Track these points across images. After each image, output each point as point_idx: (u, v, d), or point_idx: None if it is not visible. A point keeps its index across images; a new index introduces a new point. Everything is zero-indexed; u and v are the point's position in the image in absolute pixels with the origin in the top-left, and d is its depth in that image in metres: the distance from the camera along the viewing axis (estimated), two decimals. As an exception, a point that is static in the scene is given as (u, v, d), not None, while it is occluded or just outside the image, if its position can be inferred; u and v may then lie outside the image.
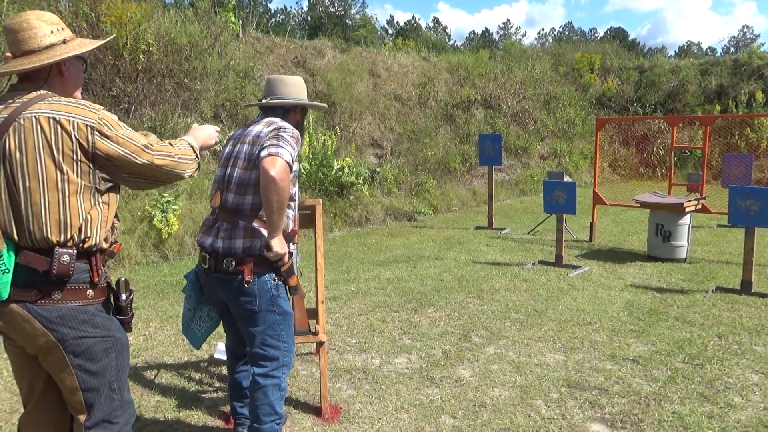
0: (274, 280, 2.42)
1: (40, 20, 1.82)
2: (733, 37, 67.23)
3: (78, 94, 1.94)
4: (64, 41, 1.85)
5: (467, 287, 5.61)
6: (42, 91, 1.81)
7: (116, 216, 1.96)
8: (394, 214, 9.86)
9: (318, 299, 3.16)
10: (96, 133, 1.77)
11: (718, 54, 45.97)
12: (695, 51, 51.40)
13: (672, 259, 6.58)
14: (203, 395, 3.39)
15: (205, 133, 2.21)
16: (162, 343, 4.21)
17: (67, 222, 1.76)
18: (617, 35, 52.05)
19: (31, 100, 1.77)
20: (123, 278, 1.98)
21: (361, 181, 9.31)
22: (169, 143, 1.98)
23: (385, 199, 10.03)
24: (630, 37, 54.56)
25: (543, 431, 2.95)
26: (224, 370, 3.67)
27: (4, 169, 1.74)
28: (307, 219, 3.14)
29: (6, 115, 1.75)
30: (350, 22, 43.87)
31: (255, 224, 2.37)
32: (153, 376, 3.64)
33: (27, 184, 1.73)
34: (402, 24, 52.22)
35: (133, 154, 1.83)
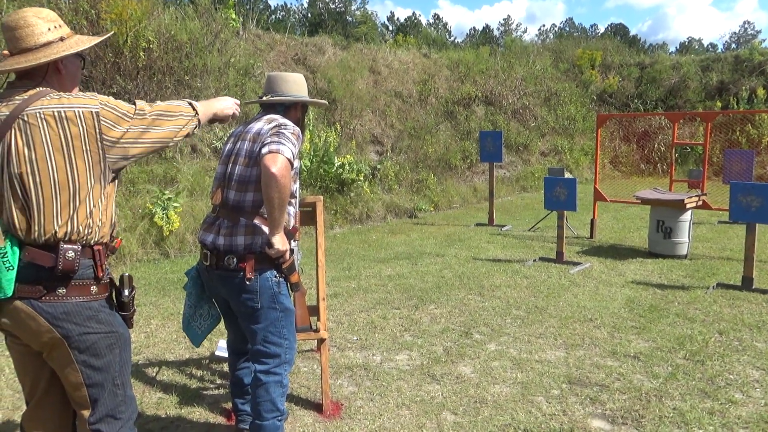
0: (276, 277, 2.43)
1: (38, 17, 1.82)
2: (734, 33, 67.01)
3: (76, 91, 1.94)
4: (62, 39, 1.85)
5: (468, 284, 5.61)
6: (41, 88, 1.81)
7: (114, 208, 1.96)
8: (395, 211, 9.86)
9: (319, 296, 3.16)
10: (102, 118, 1.79)
11: (719, 50, 45.96)
12: (696, 47, 51.35)
13: (673, 256, 6.57)
14: (205, 392, 3.40)
15: (222, 104, 2.19)
16: (163, 340, 4.22)
17: (75, 217, 1.77)
18: (618, 31, 52.00)
19: (32, 97, 1.77)
20: (127, 274, 1.99)
21: (362, 178, 9.31)
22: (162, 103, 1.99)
23: (386, 196, 10.04)
24: (631, 33, 54.52)
25: (544, 427, 2.96)
26: (226, 367, 3.68)
27: (9, 166, 1.75)
28: (308, 216, 3.14)
29: (8, 113, 1.75)
30: (350, 18, 43.81)
31: (256, 221, 2.38)
32: (154, 373, 3.65)
33: (37, 179, 1.74)
34: (402, 20, 52.15)
35: (135, 127, 1.84)
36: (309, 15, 46.30)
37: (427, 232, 8.50)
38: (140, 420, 2.93)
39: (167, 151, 7.72)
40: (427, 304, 4.99)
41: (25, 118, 1.74)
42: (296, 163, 2.42)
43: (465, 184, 11.98)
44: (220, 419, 3.08)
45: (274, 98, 2.59)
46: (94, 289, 1.85)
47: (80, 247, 1.79)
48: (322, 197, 3.18)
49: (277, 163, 2.20)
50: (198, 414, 3.13)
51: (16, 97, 1.78)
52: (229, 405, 3.15)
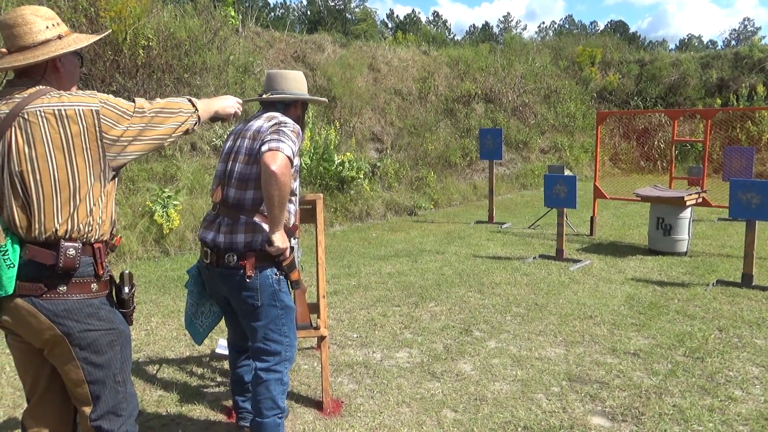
0: (276, 274, 2.43)
1: (36, 15, 1.82)
2: (734, 29, 67.03)
3: (75, 89, 1.95)
4: (60, 37, 1.85)
5: (468, 281, 5.62)
6: (41, 87, 1.81)
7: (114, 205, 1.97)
8: (395, 209, 9.86)
9: (319, 294, 3.16)
10: (102, 117, 1.79)
11: (719, 47, 45.87)
12: (696, 44, 51.31)
13: (673, 253, 6.58)
14: (205, 390, 3.41)
15: (224, 102, 2.20)
16: (164, 338, 4.22)
17: (75, 215, 1.78)
18: (618, 28, 51.94)
19: (32, 95, 1.77)
20: (127, 271, 2.00)
21: (362, 176, 9.31)
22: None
23: (386, 193, 10.03)
24: (631, 31, 54.45)
25: (544, 425, 2.97)
26: (226, 364, 3.68)
27: (10, 164, 1.75)
28: (308, 214, 3.14)
29: (8, 111, 1.75)
30: (350, 16, 43.74)
31: (256, 219, 2.38)
32: (155, 371, 3.65)
33: (38, 177, 1.74)
34: (402, 18, 52.09)
35: (135, 125, 1.85)
36: (308, 12, 46.23)
37: (427, 230, 8.50)
38: (141, 417, 2.93)
39: (167, 148, 7.71)
40: (427, 302, 5.00)
41: (26, 116, 1.74)
42: (296, 161, 2.42)
43: (465, 181, 11.98)
44: (221, 417, 3.08)
45: (274, 96, 2.59)
46: (94, 286, 1.86)
47: (81, 244, 1.80)
48: (322, 195, 3.18)
49: (276, 161, 2.20)
50: (199, 411, 3.14)
51: (16, 96, 1.78)
52: (229, 402, 3.15)
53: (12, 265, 1.72)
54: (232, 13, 10.49)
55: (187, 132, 2.01)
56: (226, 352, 3.10)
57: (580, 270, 6.02)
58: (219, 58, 9.44)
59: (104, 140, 1.80)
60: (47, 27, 1.83)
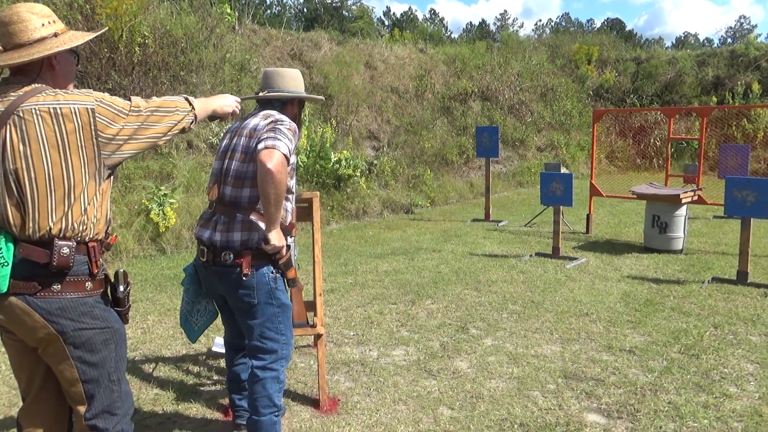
0: (272, 272, 2.43)
1: (31, 13, 1.81)
2: (730, 27, 67.19)
3: (71, 87, 1.94)
4: (56, 34, 1.84)
5: (464, 279, 5.62)
6: (36, 85, 1.80)
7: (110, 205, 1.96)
8: (392, 207, 9.86)
9: (316, 292, 3.17)
10: (97, 115, 1.79)
11: (715, 45, 46.00)
12: (692, 42, 51.40)
13: (668, 250, 6.60)
14: (202, 388, 3.40)
15: (222, 101, 2.21)
16: (160, 336, 4.22)
17: (69, 214, 1.77)
18: (614, 26, 51.93)
19: (27, 93, 1.76)
20: (122, 270, 1.99)
21: (359, 174, 9.31)
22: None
23: (383, 191, 10.03)
24: (627, 28, 54.46)
25: (540, 422, 2.97)
26: (222, 363, 3.68)
27: (4, 161, 1.74)
28: (304, 212, 3.14)
29: (3, 108, 1.75)
30: (347, 13, 43.65)
31: (253, 217, 2.37)
32: (151, 369, 3.65)
33: (32, 175, 1.74)
34: (398, 15, 52.02)
35: (130, 124, 1.84)
36: (305, 10, 46.12)
37: (424, 228, 8.50)
38: (137, 416, 2.93)
39: (163, 147, 7.69)
40: (423, 300, 5.00)
41: (21, 114, 1.73)
42: (293, 159, 2.42)
43: (461, 179, 11.99)
44: (217, 415, 3.08)
45: (271, 94, 2.58)
46: (89, 285, 1.85)
47: (75, 243, 1.79)
48: (318, 193, 3.18)
49: (273, 159, 2.19)
50: (195, 410, 3.14)
51: (11, 93, 1.77)
52: (226, 401, 3.15)
53: (6, 264, 1.72)
54: (229, 11, 10.45)
55: (183, 131, 2.00)
56: (223, 351, 3.10)
57: (576, 268, 6.04)
58: (215, 56, 9.42)
59: (99, 139, 1.79)
60: (43, 25, 1.82)
